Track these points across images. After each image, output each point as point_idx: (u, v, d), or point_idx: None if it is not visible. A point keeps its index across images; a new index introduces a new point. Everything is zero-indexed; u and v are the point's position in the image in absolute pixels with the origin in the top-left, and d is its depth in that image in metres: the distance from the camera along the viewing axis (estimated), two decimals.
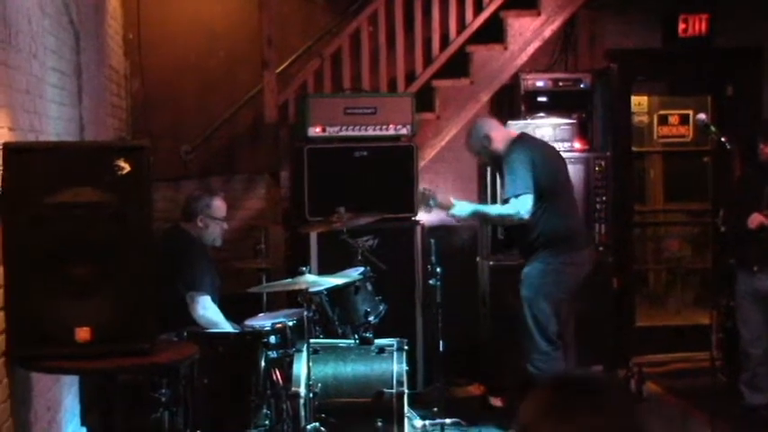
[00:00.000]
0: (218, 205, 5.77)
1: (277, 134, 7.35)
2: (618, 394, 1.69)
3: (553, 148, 6.38)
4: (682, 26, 7.75)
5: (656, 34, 7.92)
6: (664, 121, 8.57)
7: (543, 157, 5.95)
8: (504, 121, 7.17)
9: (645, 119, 8.60)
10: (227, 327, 5.38)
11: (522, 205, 5.72)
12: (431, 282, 6.13)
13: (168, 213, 6.73)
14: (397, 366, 5.16)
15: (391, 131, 6.98)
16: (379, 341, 5.33)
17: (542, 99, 7.48)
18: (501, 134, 6.09)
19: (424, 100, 7.44)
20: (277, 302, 6.21)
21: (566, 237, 5.87)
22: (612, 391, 1.69)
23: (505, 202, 5.86)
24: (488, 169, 6.95)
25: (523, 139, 6.07)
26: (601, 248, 7.10)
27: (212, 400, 4.97)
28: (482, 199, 7.41)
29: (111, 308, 3.65)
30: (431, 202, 6.00)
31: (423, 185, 6.80)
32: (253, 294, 5.65)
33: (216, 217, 5.72)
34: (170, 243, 5.60)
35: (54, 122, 4.84)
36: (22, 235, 3.53)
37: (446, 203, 6.00)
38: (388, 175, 6.85)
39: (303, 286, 4.96)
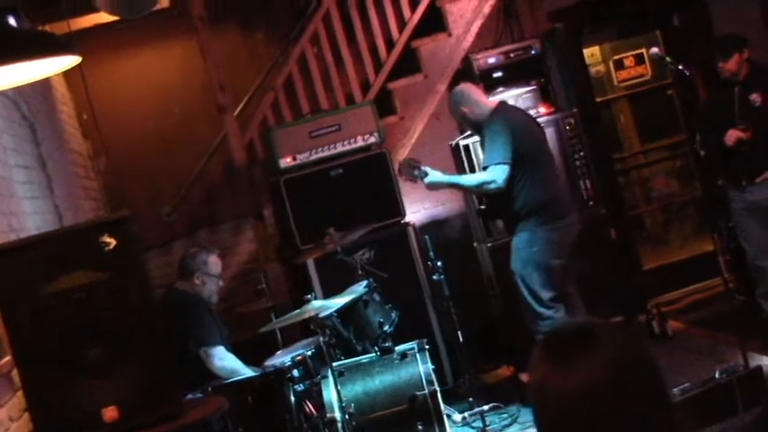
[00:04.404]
0: (215, 261, 5.82)
1: (251, 174, 7.37)
2: (610, 333, 1.71)
3: (531, 117, 6.41)
4: None
5: None
6: (620, 65, 8.62)
7: (522, 127, 5.96)
8: None
9: (601, 68, 8.65)
10: (247, 372, 5.39)
11: (498, 173, 5.70)
12: (435, 277, 6.17)
13: (165, 279, 6.74)
14: (423, 367, 5.17)
15: (360, 143, 7.02)
16: (399, 348, 5.34)
17: (498, 74, 7.52)
18: (481, 103, 6.03)
19: (385, 105, 7.48)
20: (292, 336, 6.23)
21: (549, 204, 5.86)
22: (603, 330, 1.71)
23: (483, 169, 5.87)
24: (465, 159, 6.97)
25: (503, 109, 6.05)
26: (591, 203, 7.15)
27: None
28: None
29: (131, 381, 3.65)
30: (414, 172, 5.89)
31: (407, 157, 6.81)
32: (266, 335, 5.67)
33: (212, 274, 5.76)
34: (170, 306, 5.62)
35: (31, 218, 4.86)
36: (26, 332, 3.53)
37: (424, 173, 5.85)
38: (368, 185, 6.89)
39: (312, 313, 4.97)
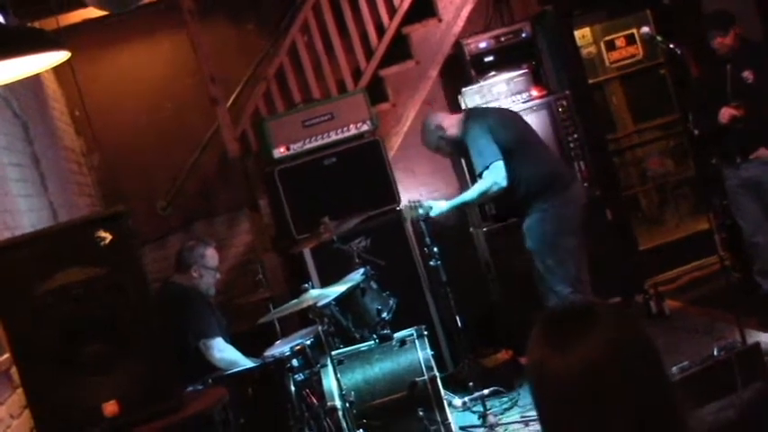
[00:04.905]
0: (212, 254, 5.82)
1: (244, 166, 7.37)
2: (607, 312, 1.71)
3: (504, 109, 6.47)
4: None
5: None
6: (611, 46, 8.59)
7: (498, 120, 6.02)
8: (457, 90, 7.23)
9: (593, 49, 8.62)
10: (247, 363, 5.40)
11: (495, 174, 5.77)
12: (431, 263, 6.18)
13: (162, 273, 6.75)
14: (422, 353, 5.18)
15: (353, 131, 7.01)
16: (398, 335, 5.35)
17: (489, 59, 7.52)
18: (451, 119, 6.18)
19: (377, 92, 7.47)
20: (290, 326, 6.23)
21: (551, 180, 5.91)
22: (600, 310, 1.71)
23: (479, 177, 5.89)
24: None
25: (473, 113, 6.19)
26: (586, 184, 7.16)
27: None
28: (458, 169, 7.48)
29: (131, 376, 3.65)
30: (420, 211, 6.02)
31: (408, 195, 6.89)
32: (265, 325, 5.67)
33: (210, 266, 5.76)
34: (168, 299, 5.62)
35: (26, 215, 4.85)
36: (24, 330, 3.53)
37: (428, 207, 6.04)
38: (362, 173, 6.89)
39: (310, 303, 4.97)
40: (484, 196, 5.99)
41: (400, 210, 6.90)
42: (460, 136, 6.02)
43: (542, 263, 5.87)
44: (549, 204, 5.85)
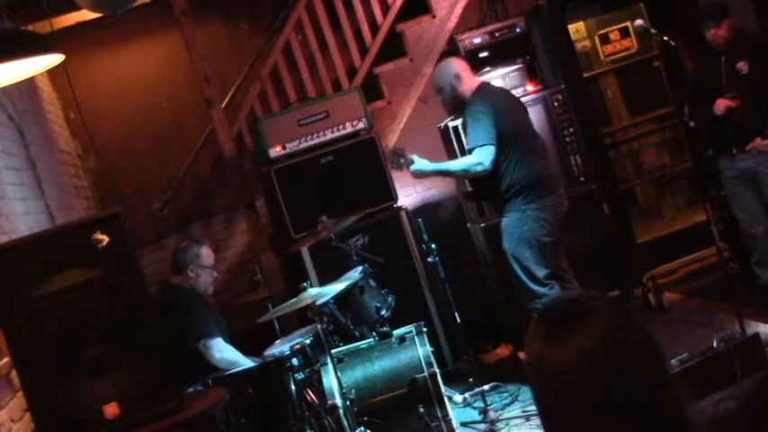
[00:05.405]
0: (207, 253, 5.81)
1: (241, 166, 7.36)
2: (602, 304, 1.71)
3: (513, 96, 6.34)
4: None
5: None
6: (606, 39, 8.59)
7: (505, 106, 5.89)
8: None
9: (587, 43, 8.62)
10: (247, 362, 5.40)
11: (485, 155, 5.65)
12: (429, 260, 6.16)
13: (159, 275, 6.75)
14: (421, 350, 5.17)
15: (349, 129, 7.01)
16: (397, 332, 5.33)
17: (484, 54, 7.51)
18: (470, 79, 5.96)
19: (372, 90, 7.47)
20: (289, 325, 6.23)
21: (536, 183, 5.79)
22: (596, 302, 1.71)
23: (469, 152, 5.84)
24: (454, 141, 6.96)
25: (485, 89, 5.98)
26: (582, 179, 7.16)
27: None
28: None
29: (131, 378, 3.65)
30: (401, 160, 5.86)
31: (393, 145, 6.80)
32: (264, 325, 5.65)
33: (206, 265, 5.75)
34: (166, 300, 5.62)
35: (23, 219, 4.85)
36: (23, 333, 3.52)
37: (410, 160, 5.85)
38: (358, 171, 6.88)
39: (309, 301, 4.96)
40: (465, 172, 5.88)
41: (385, 154, 6.76)
42: (467, 101, 5.91)
43: (519, 265, 5.78)
44: (529, 206, 5.74)
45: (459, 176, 6.48)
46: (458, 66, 6.02)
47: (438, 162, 6.04)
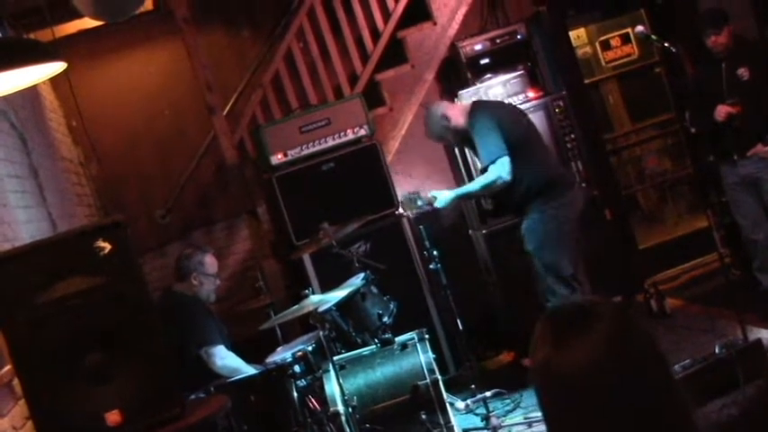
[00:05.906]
0: (211, 261, 5.81)
1: (242, 173, 7.37)
2: (607, 310, 1.71)
3: (510, 105, 6.41)
4: None
5: None
6: (606, 46, 8.59)
7: (505, 115, 5.97)
8: (454, 93, 7.23)
9: (588, 50, 8.62)
10: (249, 369, 5.40)
11: (501, 168, 5.73)
12: (431, 267, 6.17)
13: (162, 282, 6.74)
14: (423, 357, 5.18)
15: (350, 136, 7.01)
16: (399, 338, 5.34)
17: (485, 61, 7.52)
18: (456, 109, 6.10)
19: (373, 96, 7.48)
20: (291, 332, 6.22)
21: (553, 181, 5.89)
22: (600, 308, 1.71)
23: (484, 170, 5.88)
24: (456, 148, 6.97)
25: (481, 106, 6.09)
26: (584, 184, 7.16)
27: None
28: (456, 172, 7.46)
29: (133, 385, 3.65)
30: (418, 203, 6.01)
31: (405, 191, 6.84)
32: (266, 332, 5.66)
33: (209, 273, 5.76)
34: (169, 308, 5.62)
35: (25, 227, 4.85)
36: (25, 341, 3.52)
37: (429, 200, 5.99)
38: (360, 178, 6.88)
39: (311, 308, 4.96)
40: (487, 189, 5.94)
41: (399, 205, 6.85)
42: (466, 127, 5.96)
43: (542, 264, 5.86)
44: (548, 206, 5.83)
45: (482, 194, 6.45)
46: (439, 108, 6.15)
47: (456, 188, 6.20)
